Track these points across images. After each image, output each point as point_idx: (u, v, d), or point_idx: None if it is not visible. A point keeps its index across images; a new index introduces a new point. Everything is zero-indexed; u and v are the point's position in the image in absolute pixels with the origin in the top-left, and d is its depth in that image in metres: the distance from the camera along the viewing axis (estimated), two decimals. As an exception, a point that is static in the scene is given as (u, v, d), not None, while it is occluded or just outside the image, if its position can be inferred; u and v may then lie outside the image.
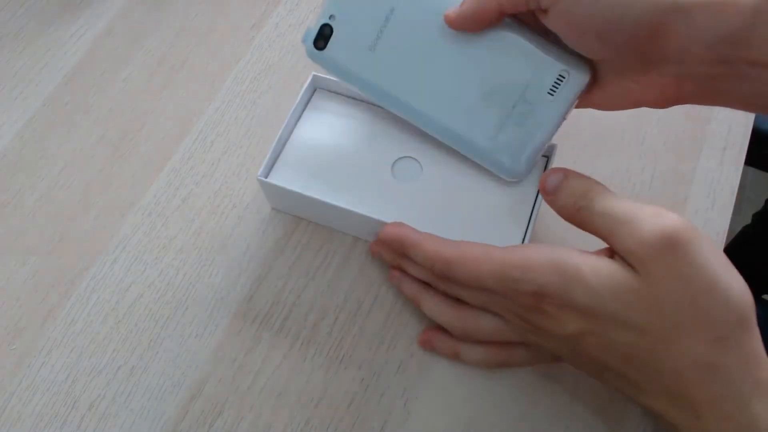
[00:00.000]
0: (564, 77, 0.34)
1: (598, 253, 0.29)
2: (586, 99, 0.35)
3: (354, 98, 0.44)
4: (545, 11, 0.31)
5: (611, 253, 0.29)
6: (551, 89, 0.34)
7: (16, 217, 0.44)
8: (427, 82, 0.36)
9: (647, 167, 0.44)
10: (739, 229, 0.77)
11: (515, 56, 0.35)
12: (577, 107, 0.36)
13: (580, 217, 0.30)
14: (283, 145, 0.42)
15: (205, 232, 0.43)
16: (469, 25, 0.34)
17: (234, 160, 0.45)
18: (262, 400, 0.38)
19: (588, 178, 0.31)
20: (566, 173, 0.31)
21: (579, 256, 0.28)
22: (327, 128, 0.43)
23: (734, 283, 0.26)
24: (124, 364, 0.39)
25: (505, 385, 0.38)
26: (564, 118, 0.35)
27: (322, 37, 0.37)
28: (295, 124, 0.43)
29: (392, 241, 0.35)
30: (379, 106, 0.43)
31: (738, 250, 0.74)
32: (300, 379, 0.38)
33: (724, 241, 0.42)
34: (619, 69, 0.33)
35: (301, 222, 0.43)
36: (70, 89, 0.49)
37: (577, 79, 0.34)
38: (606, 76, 0.34)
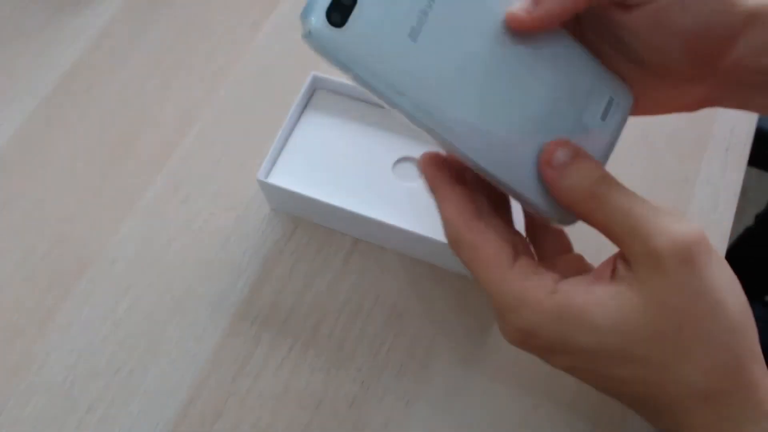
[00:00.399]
0: (614, 100, 0.29)
1: (605, 266, 0.27)
2: None
3: (354, 98, 0.43)
4: (629, 7, 0.27)
5: (614, 263, 0.26)
6: (604, 114, 0.29)
7: (16, 217, 0.44)
8: (478, 93, 0.27)
9: (650, 168, 0.44)
10: (741, 229, 0.76)
11: (575, 73, 0.29)
12: None
13: (590, 205, 0.26)
14: (283, 145, 0.42)
15: (205, 232, 0.43)
16: (544, 24, 0.27)
17: (234, 161, 0.45)
18: (261, 402, 0.37)
19: (597, 161, 0.27)
20: (577, 149, 0.27)
21: (586, 291, 0.25)
22: (327, 128, 0.42)
23: (738, 306, 0.25)
24: (122, 365, 0.39)
25: (507, 386, 0.37)
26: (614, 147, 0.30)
27: (340, 7, 0.24)
28: (295, 124, 0.43)
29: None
30: (379, 106, 0.43)
31: (740, 250, 0.74)
32: (300, 380, 0.38)
33: (727, 242, 0.42)
34: (668, 76, 0.29)
35: (301, 222, 0.43)
36: (70, 89, 0.49)
37: (626, 103, 0.30)
38: (648, 83, 0.30)
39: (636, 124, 0.46)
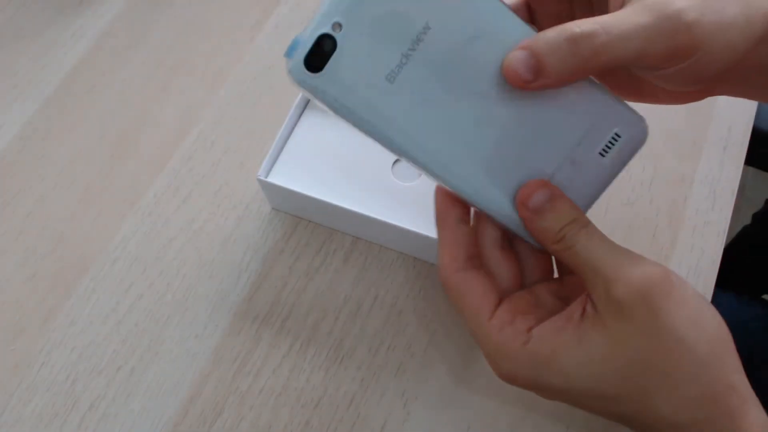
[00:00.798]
0: (620, 136, 0.28)
1: (577, 306, 0.28)
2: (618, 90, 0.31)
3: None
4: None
5: (585, 302, 0.27)
6: (604, 149, 0.28)
7: (16, 217, 0.44)
8: (460, 131, 0.27)
9: (647, 167, 0.44)
10: (739, 228, 0.77)
11: (568, 106, 0.28)
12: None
13: (559, 247, 0.27)
14: (283, 144, 0.42)
15: (205, 232, 0.43)
16: (550, 84, 0.26)
17: (234, 160, 0.45)
18: (262, 400, 0.38)
19: (573, 203, 0.28)
20: (553, 192, 0.27)
21: (555, 336, 0.27)
22: (327, 128, 0.43)
23: (705, 339, 0.25)
24: (124, 364, 0.39)
25: (505, 385, 0.37)
26: (611, 182, 0.30)
27: (319, 53, 0.25)
28: (295, 124, 0.43)
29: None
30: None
31: (738, 249, 0.74)
32: (300, 379, 0.38)
33: (725, 241, 0.42)
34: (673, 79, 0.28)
35: (301, 222, 0.43)
36: (70, 89, 0.49)
37: (635, 139, 0.29)
38: (652, 92, 0.31)
39: (634, 124, 0.46)
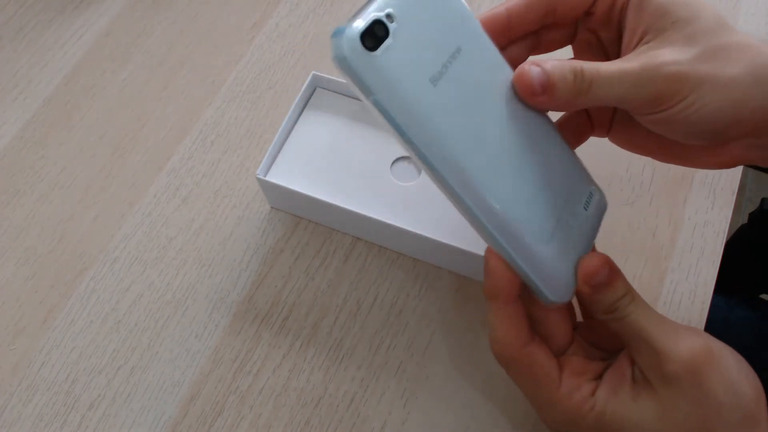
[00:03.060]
0: (593, 195, 0.31)
1: (623, 370, 0.29)
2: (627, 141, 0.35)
3: (354, 98, 0.44)
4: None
5: (632, 368, 0.29)
6: (586, 204, 0.31)
7: (16, 217, 0.44)
8: (488, 152, 0.27)
9: (647, 167, 0.44)
10: (736, 228, 0.77)
11: (565, 164, 0.30)
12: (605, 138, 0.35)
13: (610, 317, 0.29)
14: (283, 144, 0.42)
15: (205, 232, 0.43)
16: (550, 103, 0.29)
17: (234, 160, 0.45)
18: (262, 400, 0.38)
19: (625, 278, 0.29)
20: (615, 271, 0.29)
21: (616, 403, 0.29)
22: (326, 128, 0.43)
23: (738, 404, 0.28)
24: (124, 364, 0.39)
25: (505, 385, 0.38)
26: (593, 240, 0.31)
27: (374, 35, 0.25)
28: (295, 123, 0.43)
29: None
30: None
31: (736, 249, 0.74)
32: (300, 379, 0.38)
33: (724, 240, 0.42)
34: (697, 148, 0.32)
35: (301, 222, 0.43)
36: (70, 89, 0.49)
37: (602, 199, 0.32)
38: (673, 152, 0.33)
39: (633, 124, 0.46)
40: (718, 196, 0.43)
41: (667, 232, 0.42)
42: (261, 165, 0.40)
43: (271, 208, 0.43)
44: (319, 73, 0.43)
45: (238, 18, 0.52)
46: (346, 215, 0.39)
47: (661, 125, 0.29)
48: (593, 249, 0.31)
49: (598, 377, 0.30)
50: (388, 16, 0.25)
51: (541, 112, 0.30)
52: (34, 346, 0.39)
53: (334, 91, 0.44)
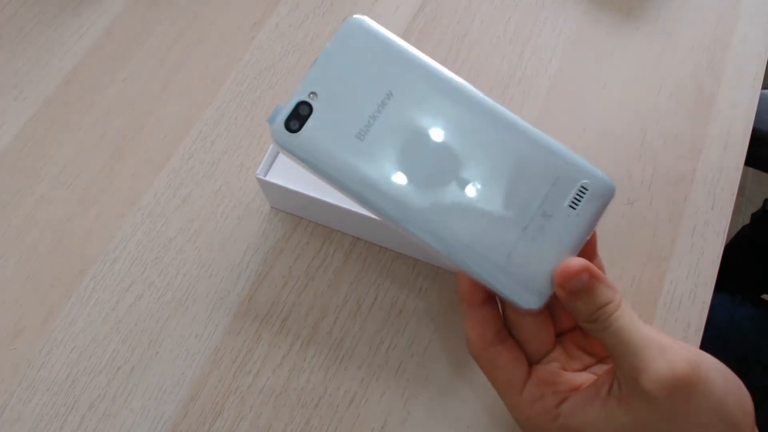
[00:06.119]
0: (587, 189, 0.30)
1: (603, 381, 0.29)
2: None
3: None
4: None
5: (611, 380, 0.29)
6: (573, 202, 0.29)
7: (16, 217, 0.44)
8: (428, 183, 0.29)
9: (648, 167, 0.44)
10: (738, 229, 0.77)
11: (534, 159, 0.30)
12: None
13: (591, 327, 0.28)
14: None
15: (205, 232, 0.43)
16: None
17: (234, 160, 0.45)
18: (262, 399, 0.38)
19: (610, 285, 0.29)
20: (594, 277, 0.28)
21: (583, 413, 0.28)
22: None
23: (722, 428, 0.27)
24: (124, 363, 0.39)
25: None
26: (588, 236, 0.30)
27: (297, 116, 0.29)
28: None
29: None
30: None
31: (737, 250, 0.74)
32: (300, 379, 0.38)
33: (724, 241, 0.42)
34: None
35: (301, 222, 0.43)
36: (71, 89, 0.49)
37: (603, 191, 0.30)
38: None
39: (634, 123, 0.46)
40: (718, 196, 0.43)
41: (667, 232, 0.42)
42: (261, 165, 0.40)
43: (271, 208, 0.43)
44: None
45: (238, 18, 0.52)
46: (346, 215, 0.39)
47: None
48: (593, 241, 0.31)
49: (574, 389, 0.30)
50: (311, 94, 0.30)
51: (506, 116, 0.30)
52: (34, 346, 0.39)
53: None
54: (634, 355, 0.27)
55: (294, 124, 0.29)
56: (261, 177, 0.40)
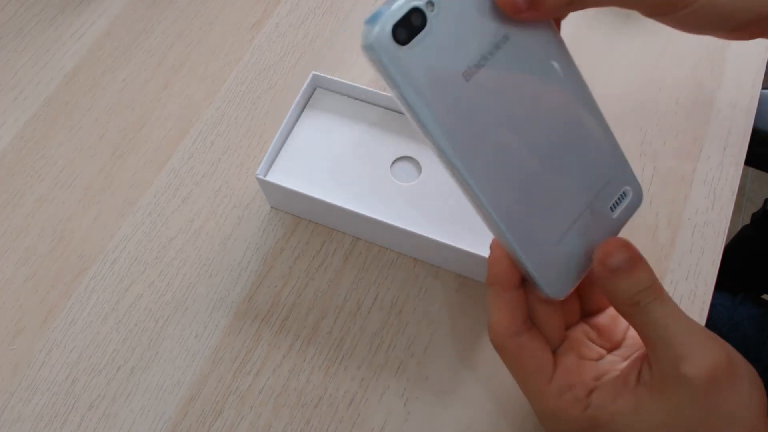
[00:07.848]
0: (626, 195, 0.29)
1: (632, 368, 0.29)
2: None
3: (353, 98, 0.44)
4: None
5: (640, 366, 0.28)
6: (614, 204, 0.29)
7: (16, 217, 0.44)
8: (511, 151, 0.26)
9: (647, 166, 0.44)
10: (738, 228, 0.77)
11: (602, 159, 0.29)
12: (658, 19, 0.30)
13: (631, 311, 0.28)
14: (283, 143, 0.42)
15: (205, 232, 0.43)
16: (536, 15, 0.25)
17: (234, 160, 0.45)
18: (262, 400, 0.38)
19: (650, 269, 0.28)
20: (633, 254, 0.27)
21: (612, 403, 0.28)
22: (327, 127, 0.43)
23: (749, 415, 0.27)
24: (124, 363, 0.39)
25: (505, 385, 0.38)
26: None
27: (408, 25, 0.23)
28: (295, 123, 0.43)
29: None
30: (378, 105, 0.43)
31: (737, 250, 0.74)
32: (300, 379, 0.38)
33: (724, 241, 0.42)
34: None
35: (301, 222, 0.43)
36: (70, 89, 0.49)
37: (636, 200, 0.30)
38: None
39: (634, 123, 0.46)
40: (718, 196, 0.43)
41: (667, 232, 0.42)
42: (261, 165, 0.40)
43: (271, 208, 0.43)
44: (319, 73, 0.43)
45: (238, 18, 0.52)
46: (346, 215, 0.39)
47: (673, 22, 0.28)
48: None
49: (598, 377, 0.30)
50: (428, 3, 0.23)
51: (594, 105, 0.28)
52: (34, 346, 0.39)
53: (334, 91, 0.44)
54: (677, 342, 0.27)
55: (402, 33, 0.23)
56: (261, 177, 0.40)
